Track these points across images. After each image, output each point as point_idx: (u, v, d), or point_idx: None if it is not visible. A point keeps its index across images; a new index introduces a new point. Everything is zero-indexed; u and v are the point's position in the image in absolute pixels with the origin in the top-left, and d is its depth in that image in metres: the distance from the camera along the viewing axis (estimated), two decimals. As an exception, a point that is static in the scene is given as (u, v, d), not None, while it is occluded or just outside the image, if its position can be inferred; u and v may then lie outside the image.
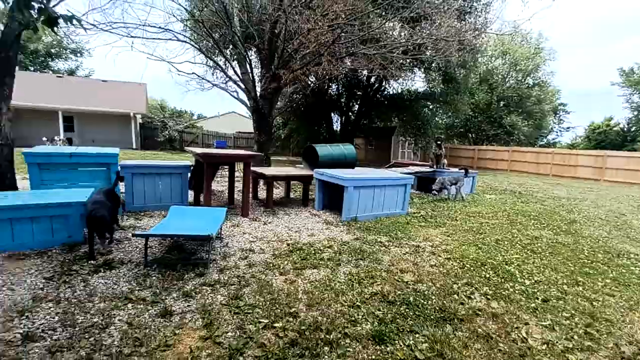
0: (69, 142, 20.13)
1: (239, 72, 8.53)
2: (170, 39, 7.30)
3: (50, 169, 4.45)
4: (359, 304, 2.72)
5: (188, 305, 2.52)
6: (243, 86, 8.48)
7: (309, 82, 12.85)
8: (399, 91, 18.02)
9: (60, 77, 24.94)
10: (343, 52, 8.30)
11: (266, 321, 2.37)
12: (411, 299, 2.86)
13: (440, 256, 4.03)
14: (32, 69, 28.68)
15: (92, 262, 3.16)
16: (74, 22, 2.04)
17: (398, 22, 9.58)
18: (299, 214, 5.74)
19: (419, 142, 18.88)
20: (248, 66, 8.23)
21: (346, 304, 2.71)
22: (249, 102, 8.58)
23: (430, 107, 19.48)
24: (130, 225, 4.39)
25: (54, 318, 2.26)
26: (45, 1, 1.93)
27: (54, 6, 2.40)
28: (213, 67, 10.64)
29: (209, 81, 9.63)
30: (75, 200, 3.59)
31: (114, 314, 2.34)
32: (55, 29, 1.95)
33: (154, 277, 2.93)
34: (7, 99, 4.51)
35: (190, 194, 5.86)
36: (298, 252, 3.84)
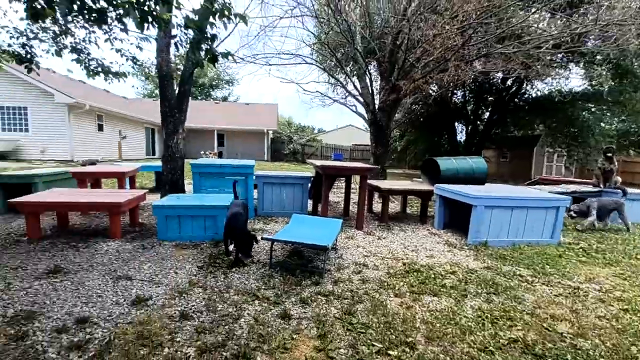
0: (219, 155, 25.01)
1: (358, 86, 8.80)
2: (299, 63, 8.21)
3: (206, 177, 5.55)
4: (493, 349, 2.26)
5: (304, 312, 2.62)
6: (362, 100, 8.69)
7: (431, 91, 12.16)
8: (546, 92, 15.02)
9: (217, 103, 31.57)
10: (473, 55, 7.50)
11: (380, 346, 2.23)
12: (569, 357, 2.20)
13: (612, 305, 3.02)
14: (199, 98, 37.22)
15: (230, 260, 3.71)
16: (229, 57, 2.52)
17: (547, 11, 8.03)
18: (416, 232, 5.35)
19: (574, 153, 15.07)
20: (367, 80, 8.42)
21: (475, 346, 2.29)
22: (367, 115, 8.71)
23: (593, 109, 15.39)
24: (260, 229, 4.99)
25: (201, 302, 2.72)
26: (210, 43, 2.46)
27: (216, 47, 2.98)
28: (334, 84, 11.35)
29: (330, 97, 10.32)
30: (221, 204, 4.32)
31: (244, 308, 2.64)
32: (215, 64, 2.44)
33: (276, 279, 3.20)
34: (183, 122, 5.92)
35: (310, 204, 6.29)
36: (415, 273, 3.54)
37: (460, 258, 4.15)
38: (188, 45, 2.63)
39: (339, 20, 7.41)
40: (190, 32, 2.57)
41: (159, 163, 10.45)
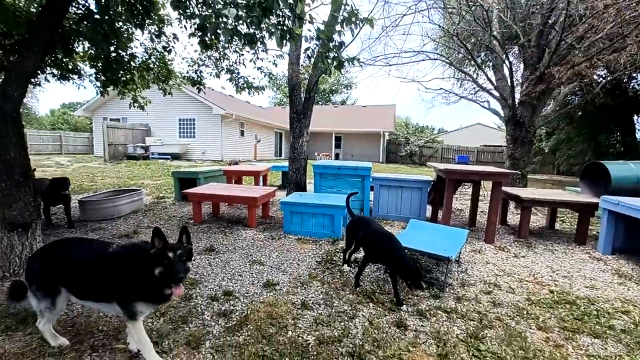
0: (336, 157, 26.30)
1: (493, 79, 7.74)
2: (421, 60, 7.82)
3: (325, 177, 5.93)
4: None
5: (422, 325, 2.48)
6: (497, 94, 7.61)
7: (596, 77, 9.63)
8: None
9: (335, 107, 33.38)
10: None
11: (517, 385, 1.89)
12: None
13: None
14: (320, 103, 40.15)
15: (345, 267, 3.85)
16: (354, 62, 2.64)
17: None
18: (570, 254, 4.33)
19: None
20: (506, 70, 7.32)
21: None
22: (504, 111, 7.57)
23: None
24: (375, 231, 4.99)
25: (319, 295, 2.91)
26: (338, 51, 2.62)
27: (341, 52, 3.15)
28: (461, 79, 10.34)
29: (456, 94, 9.44)
30: (339, 204, 4.53)
31: (359, 308, 2.69)
32: (341, 70, 2.59)
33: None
34: (307, 126, 6.49)
35: (428, 209, 5.92)
36: (568, 305, 2.87)
37: (637, 294, 3.14)
38: (316, 55, 2.89)
39: (472, 7, 6.70)
40: (315, 42, 2.83)
41: (285, 163, 11.77)
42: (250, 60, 4.76)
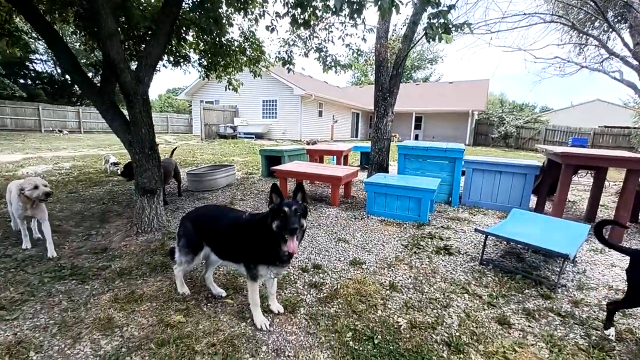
0: (415, 138, 24.97)
1: (630, 43, 6.24)
2: (533, 24, 6.70)
3: (410, 159, 5.67)
4: None
5: (529, 325, 2.24)
6: (635, 62, 6.13)
7: None
8: None
9: (417, 84, 31.33)
10: None
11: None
12: None
13: None
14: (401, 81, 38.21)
15: (434, 242, 3.67)
16: (463, 28, 2.37)
17: None
18: None
19: None
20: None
21: None
22: (642, 82, 6.10)
23: None
24: (465, 219, 4.64)
25: (407, 279, 2.85)
26: (445, 15, 2.37)
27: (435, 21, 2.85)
28: (582, 44, 8.60)
29: (576, 63, 7.93)
30: (426, 187, 4.30)
31: (452, 298, 2.56)
32: (449, 38, 2.34)
33: (489, 278, 2.89)
34: (393, 105, 6.23)
35: (532, 199, 5.23)
36: None
37: None
38: (406, 27, 2.67)
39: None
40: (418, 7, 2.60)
41: (364, 144, 11.65)
42: (339, 37, 4.71)
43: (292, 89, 18.98)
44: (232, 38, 5.38)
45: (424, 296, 2.58)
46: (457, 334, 2.12)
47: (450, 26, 2.32)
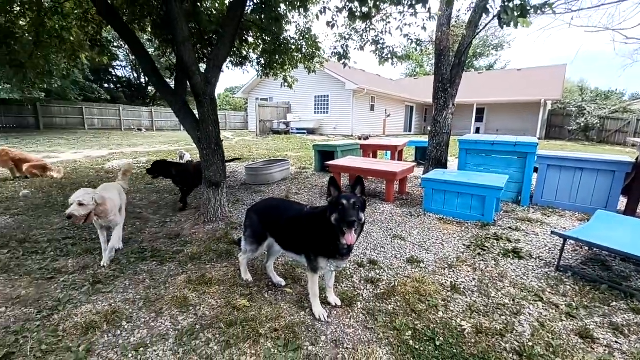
0: (476, 131, 23.30)
1: None
2: (623, 0, 5.78)
3: (473, 154, 5.32)
4: None
5: (617, 342, 1.99)
6: None
7: None
8: None
9: (480, 73, 29.11)
10: None
11: None
12: None
13: None
14: (460, 71, 35.82)
15: (501, 244, 3.42)
16: (545, 9, 2.13)
17: None
18: None
19: None
20: None
21: None
22: None
23: None
24: (537, 220, 4.24)
25: (471, 282, 2.71)
26: None
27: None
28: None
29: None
30: (492, 185, 4.01)
31: (523, 305, 2.37)
32: (526, 21, 2.12)
33: (567, 286, 2.62)
34: (454, 97, 5.89)
35: (622, 201, 4.58)
36: None
37: None
38: (474, 9, 2.47)
39: None
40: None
41: (418, 139, 11.22)
42: (397, 28, 4.57)
43: (344, 83, 18.93)
44: (288, 36, 5.54)
45: (490, 301, 2.43)
46: (530, 344, 1.96)
47: (528, 8, 2.10)
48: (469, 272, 2.88)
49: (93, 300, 2.43)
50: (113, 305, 2.37)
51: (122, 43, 17.17)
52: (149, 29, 4.79)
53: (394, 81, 30.57)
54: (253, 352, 1.89)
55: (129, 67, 27.26)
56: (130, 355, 1.88)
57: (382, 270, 2.90)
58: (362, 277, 2.77)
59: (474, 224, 4.09)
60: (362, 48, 5.16)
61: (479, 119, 23.84)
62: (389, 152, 8.84)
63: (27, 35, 4.88)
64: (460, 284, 2.66)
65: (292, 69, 6.28)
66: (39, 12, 4.59)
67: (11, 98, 15.04)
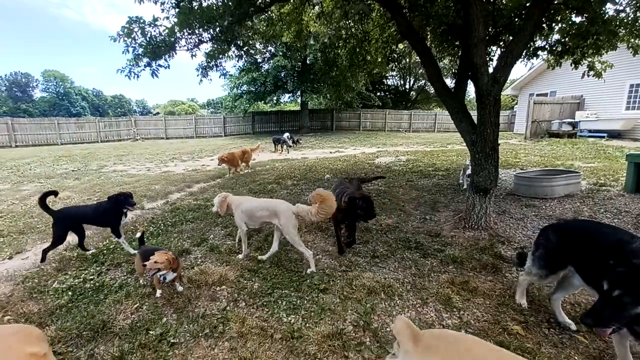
0: None
1: None
2: None
3: None
4: None
5: None
6: None
7: None
8: None
9: None
10: None
11: None
12: None
13: None
14: None
15: None
16: None
17: None
18: None
19: None
20: None
21: None
22: None
23: None
24: None
25: None
26: None
27: None
28: None
29: None
30: None
31: None
32: None
33: None
34: None
35: None
36: None
37: None
38: None
39: None
40: None
41: None
42: None
43: (695, 61, 12.42)
44: (607, 10, 4.28)
45: None
46: None
47: None
48: None
49: (373, 270, 3.03)
50: (387, 279, 2.85)
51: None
52: (438, 34, 5.19)
53: None
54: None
55: (398, 75, 31.22)
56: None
57: None
58: None
59: None
60: None
61: None
62: None
63: (344, 61, 6.69)
64: None
65: (607, 52, 4.83)
66: (354, 43, 6.14)
67: (318, 108, 22.18)
